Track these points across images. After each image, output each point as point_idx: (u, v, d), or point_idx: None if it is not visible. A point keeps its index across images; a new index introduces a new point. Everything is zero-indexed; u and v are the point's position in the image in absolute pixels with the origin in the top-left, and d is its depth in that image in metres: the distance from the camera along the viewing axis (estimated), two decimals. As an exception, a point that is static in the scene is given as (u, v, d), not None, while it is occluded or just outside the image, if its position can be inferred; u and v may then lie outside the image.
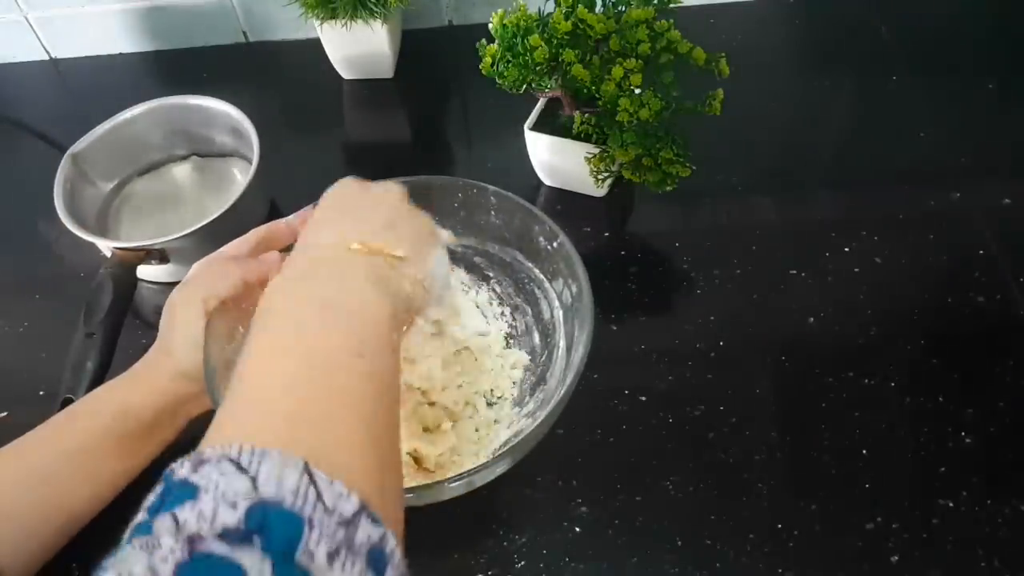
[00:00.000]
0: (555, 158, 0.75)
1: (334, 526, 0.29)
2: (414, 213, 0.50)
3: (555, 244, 0.60)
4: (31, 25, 0.95)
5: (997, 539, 0.56)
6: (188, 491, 0.29)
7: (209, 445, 0.31)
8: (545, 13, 0.67)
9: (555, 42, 0.64)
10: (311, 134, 0.89)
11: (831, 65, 0.89)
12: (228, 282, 0.55)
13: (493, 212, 0.63)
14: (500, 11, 0.66)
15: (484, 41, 0.67)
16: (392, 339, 0.42)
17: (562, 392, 0.52)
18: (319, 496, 0.29)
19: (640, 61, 0.63)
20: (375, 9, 0.81)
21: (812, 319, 0.68)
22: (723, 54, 0.64)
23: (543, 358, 0.63)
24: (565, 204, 0.78)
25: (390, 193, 0.50)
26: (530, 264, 0.64)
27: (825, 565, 0.56)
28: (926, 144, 0.80)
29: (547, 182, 0.79)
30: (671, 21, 0.64)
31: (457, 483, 0.49)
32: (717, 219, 0.75)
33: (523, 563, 0.57)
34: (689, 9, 0.81)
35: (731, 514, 0.58)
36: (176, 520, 0.28)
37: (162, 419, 0.56)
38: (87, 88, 0.96)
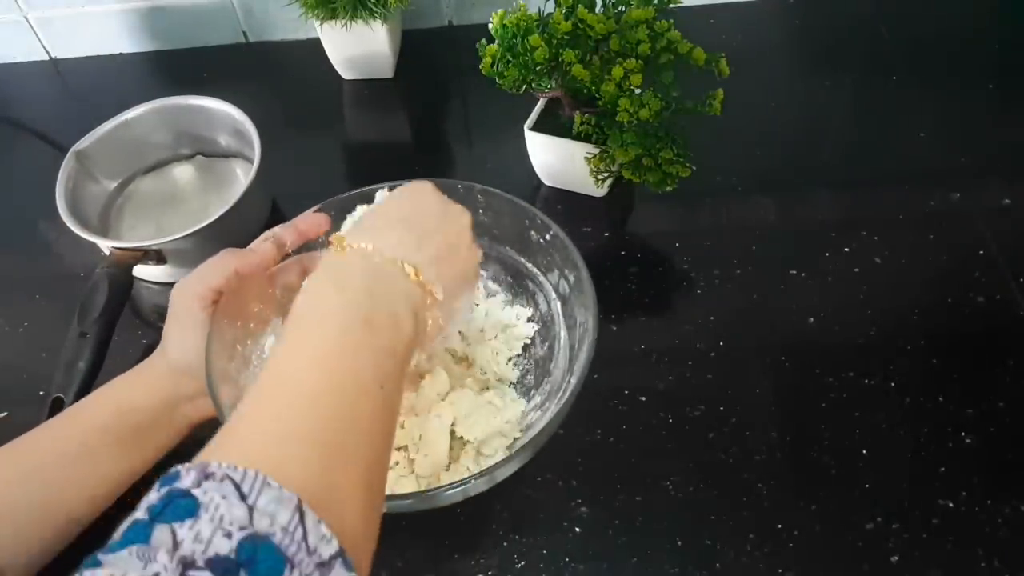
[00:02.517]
0: (555, 158, 0.75)
1: (312, 567, 0.30)
2: (471, 249, 0.50)
3: (548, 236, 0.60)
4: (31, 25, 0.95)
5: (997, 539, 0.56)
6: (190, 506, 0.30)
7: (217, 455, 0.33)
8: (545, 13, 0.67)
9: (555, 42, 0.64)
10: (311, 134, 0.89)
11: (831, 65, 0.89)
12: (222, 273, 0.55)
13: (482, 210, 0.63)
14: (500, 11, 0.66)
15: (484, 41, 0.67)
16: (405, 372, 0.43)
17: (573, 381, 0.53)
18: (304, 536, 0.31)
19: (640, 61, 0.63)
20: (375, 9, 0.81)
21: (812, 319, 0.68)
22: (723, 54, 0.64)
23: (544, 350, 0.64)
24: (565, 204, 0.78)
25: (459, 218, 0.50)
26: (523, 259, 0.65)
27: (825, 565, 0.56)
28: (926, 144, 0.80)
29: (547, 182, 0.79)
30: (671, 21, 0.64)
31: (480, 479, 0.50)
32: (717, 219, 0.75)
33: (523, 563, 0.57)
34: (689, 9, 0.81)
35: (731, 514, 0.58)
36: (174, 536, 0.29)
37: (160, 417, 0.56)
38: (87, 88, 0.96)
